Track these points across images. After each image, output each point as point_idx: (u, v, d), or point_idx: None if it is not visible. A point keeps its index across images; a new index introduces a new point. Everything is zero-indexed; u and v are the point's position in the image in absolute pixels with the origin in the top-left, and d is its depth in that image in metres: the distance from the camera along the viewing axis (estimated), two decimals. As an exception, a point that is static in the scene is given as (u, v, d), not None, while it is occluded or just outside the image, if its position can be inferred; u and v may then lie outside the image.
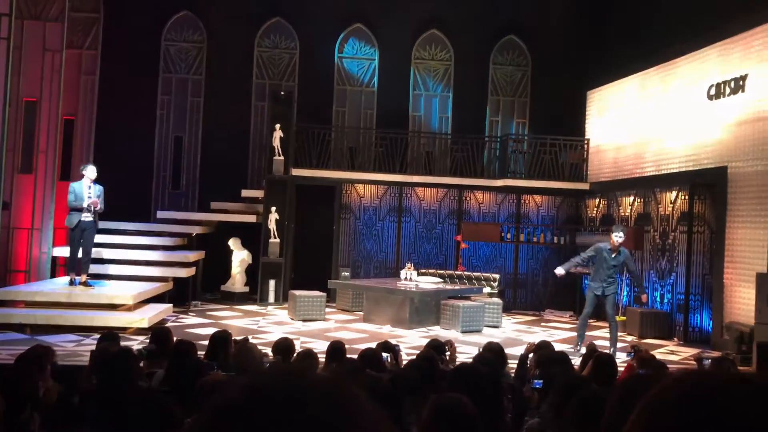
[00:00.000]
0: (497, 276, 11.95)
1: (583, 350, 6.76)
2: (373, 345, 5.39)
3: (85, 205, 9.11)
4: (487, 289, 11.45)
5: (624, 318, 10.62)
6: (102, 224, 11.77)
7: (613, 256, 8.33)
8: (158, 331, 5.21)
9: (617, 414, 1.25)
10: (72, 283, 9.33)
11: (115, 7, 12.97)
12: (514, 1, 14.28)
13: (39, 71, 10.63)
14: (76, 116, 12.47)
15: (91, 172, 9.22)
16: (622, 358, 7.13)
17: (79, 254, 9.31)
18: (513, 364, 5.62)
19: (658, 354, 7.99)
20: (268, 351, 5.39)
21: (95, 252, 10.97)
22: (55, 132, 10.73)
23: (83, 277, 9.37)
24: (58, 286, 9.56)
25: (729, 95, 9.79)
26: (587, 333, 10.61)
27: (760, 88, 9.24)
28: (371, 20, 14.38)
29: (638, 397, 0.86)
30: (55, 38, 10.68)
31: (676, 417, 0.79)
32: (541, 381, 3.84)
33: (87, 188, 9.15)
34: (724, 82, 9.89)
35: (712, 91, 10.12)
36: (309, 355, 4.38)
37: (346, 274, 11.95)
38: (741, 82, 9.57)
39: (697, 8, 10.88)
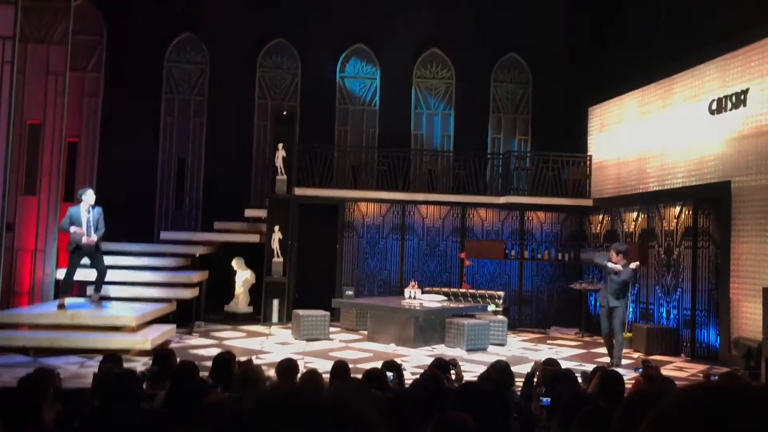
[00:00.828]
0: (502, 293, 11.89)
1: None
2: (377, 364, 5.34)
3: (84, 240, 9.04)
4: (491, 307, 11.38)
5: (630, 334, 10.54)
6: (105, 246, 11.78)
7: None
8: (161, 353, 5.18)
9: (622, 430, 1.23)
10: (62, 307, 8.98)
11: (118, 29, 13.12)
12: (514, 20, 14.39)
13: (43, 94, 10.71)
14: (80, 138, 12.55)
15: (89, 196, 9.23)
16: (627, 375, 7.07)
17: (77, 276, 9.36)
18: (519, 382, 5.56)
19: (666, 370, 7.92)
20: (272, 371, 5.35)
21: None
22: (59, 154, 10.78)
23: (96, 296, 9.46)
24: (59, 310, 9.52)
25: (730, 110, 9.80)
26: (596, 350, 10.54)
27: (761, 103, 9.25)
28: (372, 40, 14.49)
29: (642, 413, 0.85)
30: (58, 61, 10.78)
31: (688, 427, 0.77)
32: (548, 399, 3.80)
33: (86, 212, 9.18)
34: (725, 97, 9.91)
35: (714, 106, 10.14)
36: (313, 374, 4.34)
37: (350, 293, 11.91)
38: (742, 97, 9.59)
39: (696, 24, 10.94)
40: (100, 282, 9.53)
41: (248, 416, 0.77)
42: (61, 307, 9.05)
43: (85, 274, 11.25)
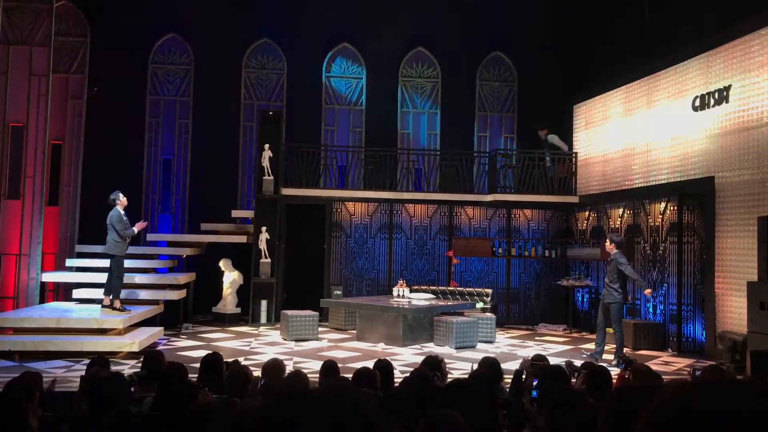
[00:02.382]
0: (490, 291, 11.93)
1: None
2: (366, 363, 5.34)
3: (136, 230, 9.45)
4: (480, 305, 11.42)
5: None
6: (91, 248, 11.76)
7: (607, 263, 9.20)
8: (150, 356, 5.15)
9: (610, 426, 1.24)
10: (123, 309, 9.34)
11: (102, 30, 13.00)
12: (498, 18, 14.45)
13: (25, 96, 10.61)
14: (64, 140, 12.43)
15: (124, 200, 9.41)
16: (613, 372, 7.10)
17: (64, 279, 9.37)
18: (508, 379, 5.59)
19: (652, 365, 7.98)
20: (260, 372, 5.33)
21: (85, 277, 10.91)
22: (43, 157, 10.68)
23: (118, 303, 9.46)
24: (47, 312, 9.45)
25: (713, 106, 9.91)
26: (583, 346, 10.61)
27: (743, 99, 9.36)
28: (358, 39, 14.48)
29: (630, 409, 0.86)
30: (41, 63, 10.67)
31: (687, 424, 0.78)
32: (536, 391, 3.83)
33: (124, 214, 9.34)
34: (708, 94, 10.01)
35: (697, 103, 10.24)
36: (298, 375, 4.34)
37: (339, 292, 11.90)
38: (725, 93, 9.69)
39: (679, 22, 11.04)
40: (119, 287, 9.60)
41: (265, 416, 0.78)
42: (122, 309, 9.27)
43: (73, 277, 11.18)
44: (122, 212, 9.33)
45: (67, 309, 9.75)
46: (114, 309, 9.29)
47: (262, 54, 14.31)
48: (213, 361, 4.89)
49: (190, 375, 4.68)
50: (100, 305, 9.50)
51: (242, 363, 5.15)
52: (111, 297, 9.50)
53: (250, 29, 14.11)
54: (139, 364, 5.18)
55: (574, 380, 4.72)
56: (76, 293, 10.60)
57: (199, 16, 13.81)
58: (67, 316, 9.02)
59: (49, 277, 11.11)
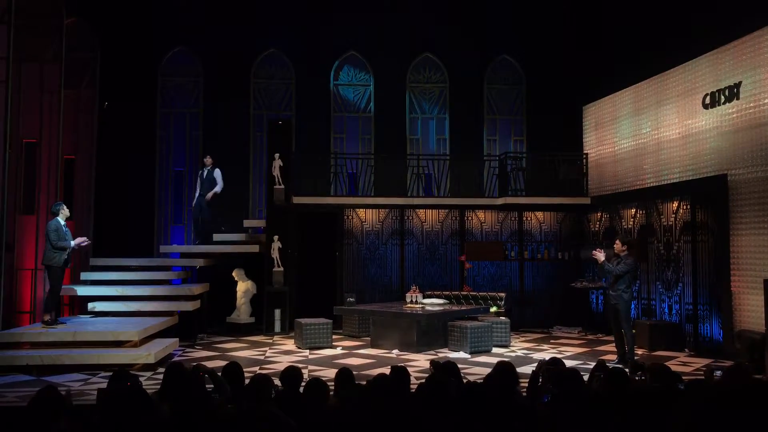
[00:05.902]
0: (503, 294, 11.88)
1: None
2: (381, 370, 5.34)
3: (73, 244, 9.18)
4: (493, 309, 11.38)
5: (633, 331, 10.51)
6: (105, 261, 11.85)
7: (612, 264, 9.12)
8: (171, 367, 5.12)
9: (627, 428, 1.24)
10: (52, 322, 8.96)
11: (111, 45, 13.14)
12: (504, 21, 14.47)
13: (38, 112, 10.72)
14: (77, 155, 12.55)
15: (66, 211, 9.22)
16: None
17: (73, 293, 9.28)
18: (524, 382, 5.56)
19: (670, 366, 7.91)
20: (278, 381, 5.34)
21: (100, 290, 10.97)
22: (56, 172, 10.78)
23: (49, 317, 9.13)
24: (63, 326, 9.50)
25: (724, 103, 9.85)
26: (599, 348, 10.54)
27: (754, 95, 9.29)
28: (365, 47, 14.54)
29: (647, 411, 0.86)
30: (52, 79, 10.79)
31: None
32: (548, 395, 3.82)
33: (63, 227, 9.24)
34: (719, 91, 9.96)
35: (707, 100, 10.18)
36: (317, 383, 4.34)
37: (352, 299, 11.90)
38: (735, 90, 9.63)
39: (687, 20, 10.98)
40: (55, 301, 9.33)
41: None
42: (48, 323, 8.99)
43: (88, 291, 11.26)
44: (62, 223, 9.11)
45: (83, 322, 9.82)
46: (43, 323, 8.99)
47: (270, 64, 14.40)
48: (232, 371, 4.92)
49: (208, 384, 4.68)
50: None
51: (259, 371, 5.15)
52: (50, 312, 9.19)
53: (258, 40, 14.21)
54: (156, 376, 5.20)
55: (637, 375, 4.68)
56: (92, 306, 10.67)
57: (207, 28, 13.92)
58: (83, 329, 9.08)
59: (65, 290, 11.19)
